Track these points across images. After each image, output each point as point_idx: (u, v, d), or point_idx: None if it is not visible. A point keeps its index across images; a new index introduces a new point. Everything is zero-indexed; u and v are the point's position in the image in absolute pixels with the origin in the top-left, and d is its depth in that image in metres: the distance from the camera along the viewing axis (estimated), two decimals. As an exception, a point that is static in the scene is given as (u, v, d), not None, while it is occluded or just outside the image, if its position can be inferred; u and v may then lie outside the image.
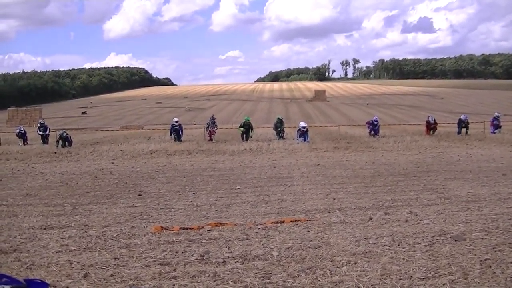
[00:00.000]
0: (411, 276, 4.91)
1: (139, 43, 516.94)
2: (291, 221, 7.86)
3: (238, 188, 12.19)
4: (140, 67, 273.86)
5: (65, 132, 27.06)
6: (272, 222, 7.77)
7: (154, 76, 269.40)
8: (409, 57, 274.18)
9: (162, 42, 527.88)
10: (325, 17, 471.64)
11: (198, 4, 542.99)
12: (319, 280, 4.91)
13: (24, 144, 28.09)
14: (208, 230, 7.32)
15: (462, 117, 30.51)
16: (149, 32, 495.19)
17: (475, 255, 5.57)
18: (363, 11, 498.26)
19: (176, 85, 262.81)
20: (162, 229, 7.47)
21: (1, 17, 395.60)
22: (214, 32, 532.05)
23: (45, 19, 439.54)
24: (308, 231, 7.12)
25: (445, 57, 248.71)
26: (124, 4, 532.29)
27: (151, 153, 22.23)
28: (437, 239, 6.35)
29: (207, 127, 29.61)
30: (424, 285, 4.69)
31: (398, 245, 6.12)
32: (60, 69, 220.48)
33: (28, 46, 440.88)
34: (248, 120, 29.19)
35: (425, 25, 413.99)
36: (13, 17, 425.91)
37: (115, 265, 5.63)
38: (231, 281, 4.97)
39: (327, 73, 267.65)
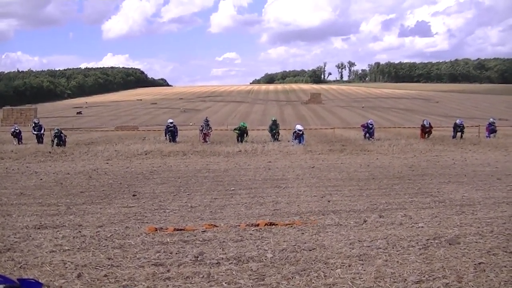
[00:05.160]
0: (405, 279, 4.91)
1: (136, 44, 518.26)
2: (284, 225, 7.85)
3: (233, 190, 12.17)
4: (136, 67, 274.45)
5: (59, 130, 26.96)
6: (265, 224, 7.76)
7: (150, 77, 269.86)
8: (405, 60, 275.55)
9: (160, 43, 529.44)
10: (324, 20, 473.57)
11: (197, 6, 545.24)
12: (313, 283, 4.91)
13: (19, 144, 27.96)
14: (202, 231, 7.31)
15: (458, 121, 30.58)
16: (147, 33, 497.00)
17: (469, 258, 5.58)
18: (362, 15, 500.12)
19: (172, 86, 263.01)
20: (156, 230, 7.44)
21: (0, 16, 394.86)
22: (212, 33, 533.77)
23: (44, 18, 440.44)
24: (303, 233, 7.11)
25: (441, 61, 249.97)
26: (124, 5, 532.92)
27: (146, 154, 22.18)
28: (431, 242, 6.36)
29: (201, 130, 29.58)
30: (418, 288, 4.69)
31: (393, 248, 6.13)
32: (55, 69, 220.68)
33: (26, 46, 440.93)
34: (244, 126, 29.12)
35: (422, 29, 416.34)
36: (12, 16, 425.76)
37: (109, 265, 5.61)
38: (225, 283, 4.95)
39: (322, 76, 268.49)
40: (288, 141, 27.27)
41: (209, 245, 6.48)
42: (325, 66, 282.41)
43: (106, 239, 6.94)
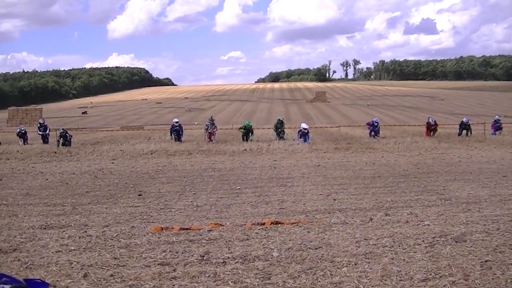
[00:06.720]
0: (412, 277, 4.89)
1: (141, 44, 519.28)
2: (290, 224, 7.84)
3: (238, 189, 12.17)
4: (140, 67, 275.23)
5: (64, 130, 27.02)
6: (271, 223, 7.75)
7: (155, 76, 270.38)
8: (410, 58, 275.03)
9: (165, 42, 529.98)
10: (329, 18, 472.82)
11: (203, 5, 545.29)
12: (319, 281, 4.90)
13: (25, 144, 28.08)
14: (208, 231, 7.31)
15: (465, 119, 30.39)
16: (152, 33, 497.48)
17: (475, 256, 5.56)
18: (367, 12, 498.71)
19: (177, 85, 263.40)
20: (162, 229, 7.45)
21: (6, 17, 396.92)
22: (217, 32, 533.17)
23: (49, 18, 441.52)
24: (309, 232, 7.10)
25: (446, 58, 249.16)
26: (129, 4, 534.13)
27: (151, 153, 22.21)
28: (437, 240, 6.34)
29: (206, 129, 29.57)
30: (424, 286, 4.68)
31: (399, 246, 6.11)
32: (60, 69, 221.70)
33: (31, 46, 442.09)
34: (249, 125, 29.13)
35: (427, 27, 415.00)
36: (17, 17, 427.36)
37: (115, 265, 5.62)
38: (231, 282, 4.95)
39: (327, 74, 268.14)
40: (294, 140, 27.23)
41: (215, 244, 6.49)
42: (330, 64, 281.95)
43: (112, 239, 6.95)
